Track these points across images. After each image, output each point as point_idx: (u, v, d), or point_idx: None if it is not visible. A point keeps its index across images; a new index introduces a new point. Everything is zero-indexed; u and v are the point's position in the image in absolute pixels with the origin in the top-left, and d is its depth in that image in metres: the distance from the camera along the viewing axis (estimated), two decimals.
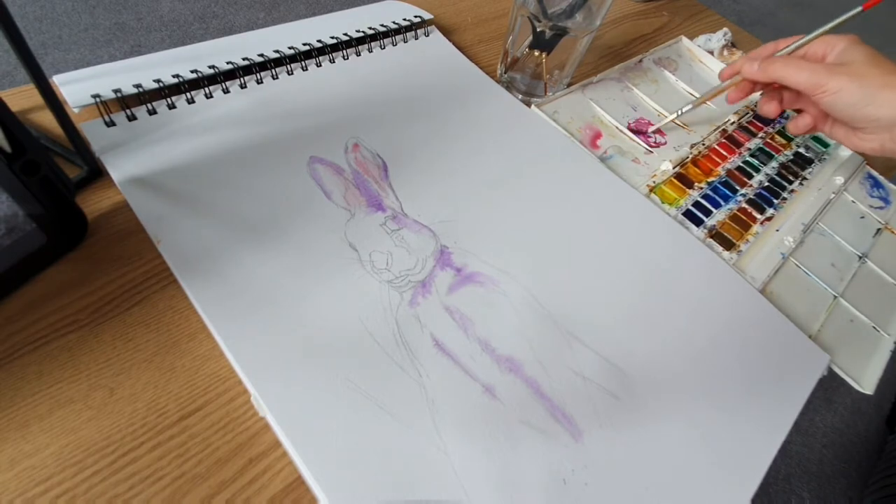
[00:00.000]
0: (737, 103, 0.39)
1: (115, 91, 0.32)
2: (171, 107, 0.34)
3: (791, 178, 0.44)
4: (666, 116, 0.45)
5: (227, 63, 0.36)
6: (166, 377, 0.24)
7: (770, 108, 0.37)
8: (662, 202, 0.39)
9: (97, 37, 1.33)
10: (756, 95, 0.51)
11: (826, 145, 0.49)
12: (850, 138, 0.33)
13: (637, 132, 0.44)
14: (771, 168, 0.45)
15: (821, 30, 0.34)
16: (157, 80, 0.33)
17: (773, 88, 0.37)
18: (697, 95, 0.49)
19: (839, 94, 0.30)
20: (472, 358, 0.27)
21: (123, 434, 0.23)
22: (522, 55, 0.42)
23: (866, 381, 0.33)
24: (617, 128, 0.44)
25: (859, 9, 0.33)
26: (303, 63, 0.39)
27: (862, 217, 0.44)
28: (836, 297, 0.37)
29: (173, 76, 0.34)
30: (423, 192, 0.34)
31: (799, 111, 0.37)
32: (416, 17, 0.45)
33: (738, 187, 0.42)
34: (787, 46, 0.35)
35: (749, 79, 0.36)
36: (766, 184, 0.43)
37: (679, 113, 0.44)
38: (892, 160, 0.52)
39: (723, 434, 0.28)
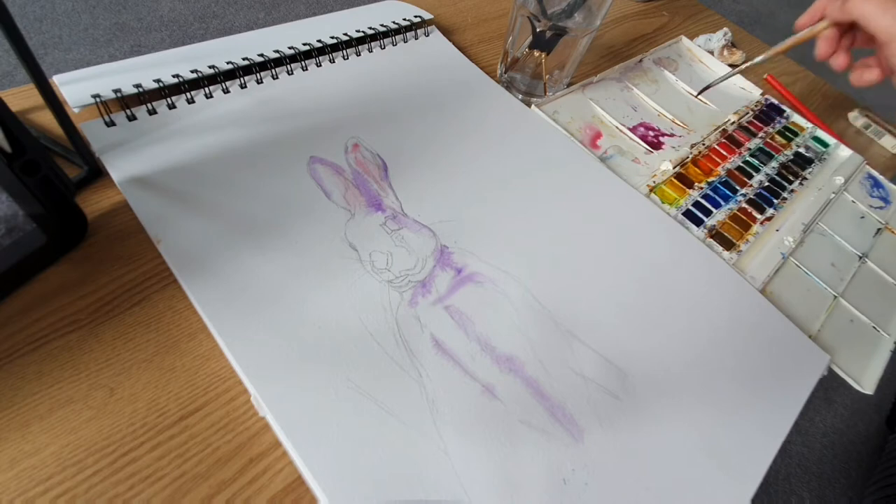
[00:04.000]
0: (826, 59, 0.34)
1: (115, 91, 0.32)
2: (171, 107, 0.34)
3: (791, 177, 0.44)
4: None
5: (227, 63, 0.36)
6: (166, 377, 0.24)
7: (840, 61, 0.33)
8: (662, 202, 0.39)
9: (97, 37, 1.33)
10: (756, 95, 0.51)
11: (826, 145, 0.49)
12: None
13: (649, 140, 0.44)
14: (771, 168, 0.45)
15: None
16: (157, 80, 0.33)
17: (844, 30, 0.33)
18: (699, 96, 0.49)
19: None
20: (472, 358, 0.27)
21: (123, 434, 0.23)
22: (522, 55, 0.42)
23: (866, 381, 0.33)
24: (617, 128, 0.44)
25: None
26: (303, 63, 0.39)
27: (862, 217, 0.44)
28: (836, 297, 0.37)
29: (173, 76, 0.34)
30: (423, 192, 0.34)
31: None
32: (416, 17, 0.45)
33: (738, 187, 0.42)
34: None
35: (832, 19, 0.31)
36: (766, 184, 0.43)
37: (743, 66, 0.40)
38: (893, 160, 0.52)
39: (723, 434, 0.28)
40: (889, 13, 0.28)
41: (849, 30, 0.33)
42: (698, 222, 0.39)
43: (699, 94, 0.44)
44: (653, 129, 0.45)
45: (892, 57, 0.28)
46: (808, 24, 0.34)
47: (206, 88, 0.35)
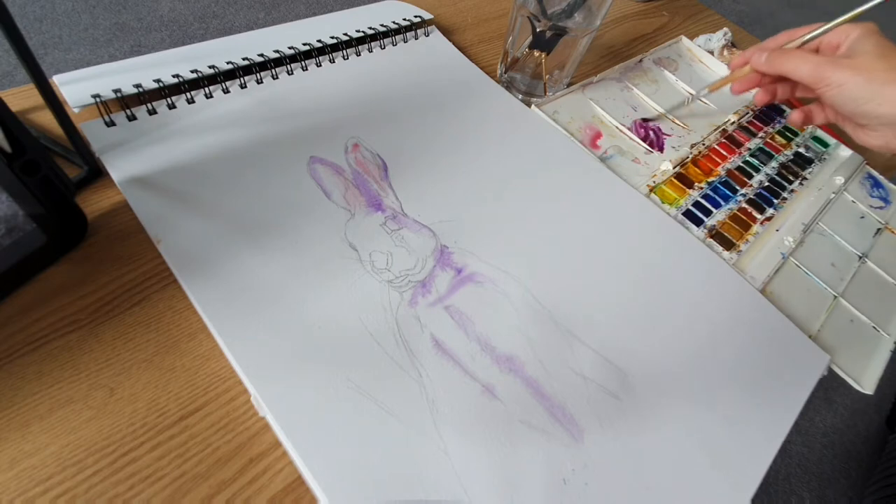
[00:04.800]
0: (740, 95, 0.38)
1: (115, 91, 0.32)
2: (171, 107, 0.34)
3: (791, 177, 0.44)
4: (662, 111, 0.45)
5: (227, 63, 0.36)
6: (166, 377, 0.24)
7: (762, 99, 0.37)
8: (662, 202, 0.39)
9: (97, 37, 1.33)
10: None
11: (826, 145, 0.49)
12: (857, 133, 0.32)
13: (646, 138, 0.44)
14: (771, 168, 0.45)
15: (837, 20, 0.33)
16: (157, 80, 0.33)
17: (779, 81, 0.36)
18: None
19: (842, 88, 0.29)
20: (472, 358, 0.27)
21: (123, 434, 0.23)
22: (522, 55, 0.42)
23: (866, 381, 0.33)
24: (617, 128, 0.44)
25: None
26: (303, 63, 0.39)
27: (862, 217, 0.44)
28: (836, 297, 0.37)
29: (173, 76, 0.34)
30: (423, 192, 0.34)
31: (811, 101, 0.36)
32: (416, 17, 0.45)
33: (738, 187, 0.42)
34: (802, 36, 0.34)
35: (756, 70, 0.35)
36: (766, 184, 0.43)
37: (688, 99, 0.44)
38: (893, 160, 0.52)
39: (723, 434, 0.28)
40: (807, 62, 0.31)
41: (780, 80, 0.36)
42: (698, 222, 0.39)
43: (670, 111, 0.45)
44: (653, 130, 0.45)
45: (823, 94, 0.31)
46: (740, 65, 0.37)
47: (206, 88, 0.35)
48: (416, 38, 0.45)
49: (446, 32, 0.48)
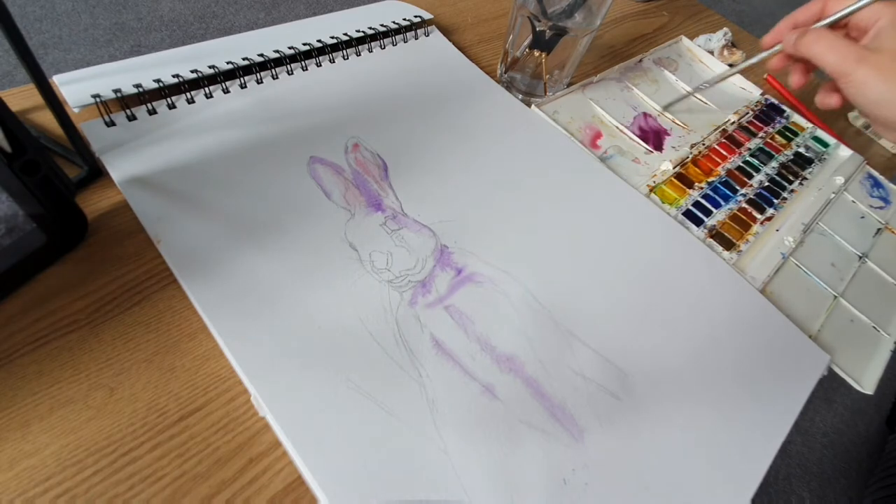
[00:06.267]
0: (778, 71, 0.37)
1: (115, 91, 0.32)
2: (171, 107, 0.34)
3: (791, 177, 0.44)
4: (662, 110, 0.45)
5: (227, 63, 0.36)
6: (166, 377, 0.24)
7: (795, 79, 0.36)
8: (662, 202, 0.39)
9: (97, 37, 1.33)
10: (756, 95, 0.51)
11: (826, 145, 0.49)
12: (876, 126, 0.32)
13: (646, 137, 0.44)
14: (771, 168, 0.45)
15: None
16: (157, 80, 0.33)
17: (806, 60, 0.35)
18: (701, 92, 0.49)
19: (862, 86, 0.29)
20: (472, 357, 0.27)
21: (123, 434, 0.23)
22: (522, 55, 0.42)
23: (866, 381, 0.33)
24: (617, 128, 0.44)
25: None
26: (303, 63, 0.39)
27: (862, 217, 0.44)
28: (836, 297, 0.37)
29: (173, 76, 0.34)
30: (423, 192, 0.34)
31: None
32: (416, 17, 0.45)
33: (738, 187, 0.42)
34: (833, 15, 0.33)
35: (786, 51, 0.34)
36: (767, 184, 0.43)
37: (705, 86, 0.45)
38: (893, 160, 0.52)
39: (723, 434, 0.28)
40: (834, 52, 0.30)
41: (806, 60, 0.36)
42: (698, 222, 0.39)
43: (666, 107, 0.47)
44: (653, 129, 0.45)
45: (844, 89, 0.31)
46: (771, 43, 0.37)
47: (206, 88, 0.35)
48: (416, 38, 0.45)
49: (446, 32, 0.48)
